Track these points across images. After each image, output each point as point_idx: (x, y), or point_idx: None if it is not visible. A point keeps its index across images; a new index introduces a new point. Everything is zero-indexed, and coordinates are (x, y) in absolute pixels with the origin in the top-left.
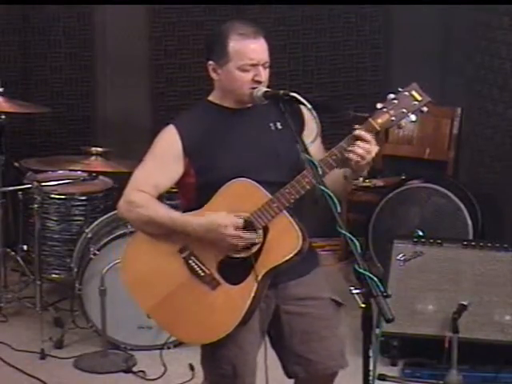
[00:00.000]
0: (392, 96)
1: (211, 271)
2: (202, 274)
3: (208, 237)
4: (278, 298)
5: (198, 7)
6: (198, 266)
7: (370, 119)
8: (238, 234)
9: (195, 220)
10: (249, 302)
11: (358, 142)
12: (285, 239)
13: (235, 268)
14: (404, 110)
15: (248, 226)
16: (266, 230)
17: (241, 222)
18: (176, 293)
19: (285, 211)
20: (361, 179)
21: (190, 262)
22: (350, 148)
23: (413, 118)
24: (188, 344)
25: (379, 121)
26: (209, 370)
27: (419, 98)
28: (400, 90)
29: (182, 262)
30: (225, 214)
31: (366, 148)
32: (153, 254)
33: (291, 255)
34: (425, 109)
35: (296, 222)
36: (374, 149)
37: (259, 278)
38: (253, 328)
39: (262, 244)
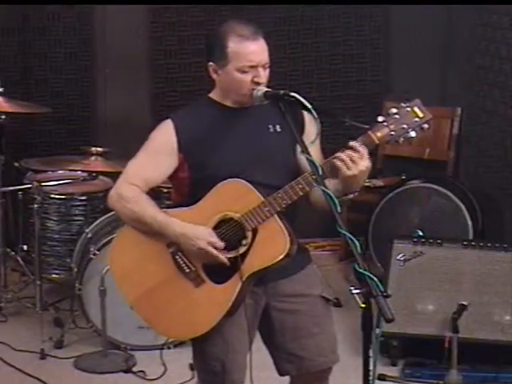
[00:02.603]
0: (394, 110)
1: (197, 268)
2: (188, 271)
3: (185, 245)
4: (267, 295)
5: (198, 7)
6: (184, 263)
7: (370, 132)
8: (213, 254)
9: (178, 227)
10: (230, 303)
11: (348, 151)
12: (273, 243)
13: (221, 267)
14: (404, 126)
15: (237, 226)
16: (255, 232)
17: (221, 244)
18: (160, 287)
19: (275, 215)
20: (351, 195)
21: (177, 257)
22: (338, 154)
23: (412, 134)
24: (182, 341)
25: (378, 134)
26: (199, 367)
27: (421, 115)
28: (402, 105)
29: (169, 257)
30: (208, 231)
31: (353, 156)
32: (141, 246)
33: (278, 259)
34: (426, 126)
35: (285, 226)
36: (363, 163)
37: (243, 279)
38: (241, 325)
39: (250, 246)
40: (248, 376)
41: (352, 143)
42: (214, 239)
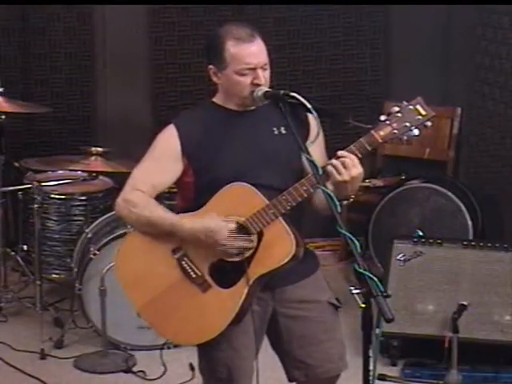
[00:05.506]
0: (396, 109)
1: (203, 273)
2: (194, 276)
3: (201, 240)
4: (275, 301)
5: (198, 7)
6: (191, 268)
7: (372, 131)
8: (230, 240)
9: (190, 223)
10: (238, 307)
11: (340, 159)
12: (278, 245)
13: (227, 271)
14: (407, 124)
15: (242, 230)
16: (260, 235)
17: (234, 227)
18: (167, 293)
19: (280, 217)
20: (345, 202)
21: (183, 263)
22: (330, 160)
23: (416, 132)
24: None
25: (381, 133)
26: (205, 373)
27: (423, 113)
28: (405, 103)
29: (175, 263)
30: (219, 219)
31: (345, 162)
32: (147, 253)
33: (284, 262)
34: (429, 123)
35: (291, 228)
36: (355, 169)
37: (250, 282)
38: (248, 331)
39: (256, 249)
40: (262, 378)
41: (340, 152)
42: (227, 224)
